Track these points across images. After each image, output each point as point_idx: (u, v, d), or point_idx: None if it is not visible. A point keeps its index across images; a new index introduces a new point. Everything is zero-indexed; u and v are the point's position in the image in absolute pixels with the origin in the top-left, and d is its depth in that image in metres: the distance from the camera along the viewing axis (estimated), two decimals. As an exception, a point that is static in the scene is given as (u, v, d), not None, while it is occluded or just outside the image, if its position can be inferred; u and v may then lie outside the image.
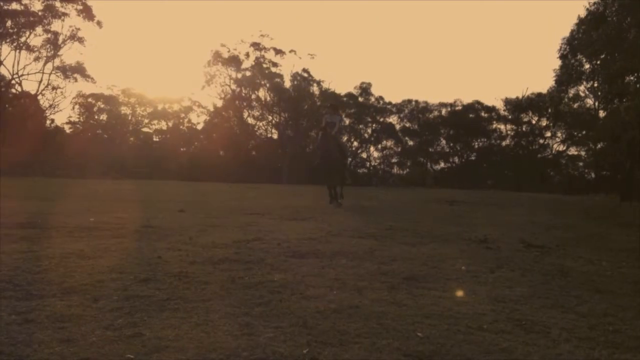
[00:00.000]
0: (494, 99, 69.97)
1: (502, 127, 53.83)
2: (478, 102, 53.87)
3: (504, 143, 53.90)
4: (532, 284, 5.34)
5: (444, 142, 54.98)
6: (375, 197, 20.70)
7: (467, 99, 56.57)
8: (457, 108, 54.43)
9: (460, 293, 4.85)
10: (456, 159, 55.30)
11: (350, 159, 55.94)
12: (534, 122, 51.91)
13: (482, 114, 53.82)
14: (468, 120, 52.86)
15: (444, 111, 55.06)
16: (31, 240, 6.85)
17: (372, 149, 56.93)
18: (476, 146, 54.28)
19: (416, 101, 55.59)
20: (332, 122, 14.61)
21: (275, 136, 55.71)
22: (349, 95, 55.67)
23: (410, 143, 55.73)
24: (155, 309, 4.01)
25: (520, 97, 52.15)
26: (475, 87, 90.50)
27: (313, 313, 3.99)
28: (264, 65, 54.51)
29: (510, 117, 52.79)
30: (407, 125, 55.93)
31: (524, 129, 52.53)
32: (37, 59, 48.14)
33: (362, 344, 3.39)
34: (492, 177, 51.44)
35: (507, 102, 52.64)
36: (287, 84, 55.00)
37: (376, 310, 4.15)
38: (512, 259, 6.72)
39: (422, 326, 3.81)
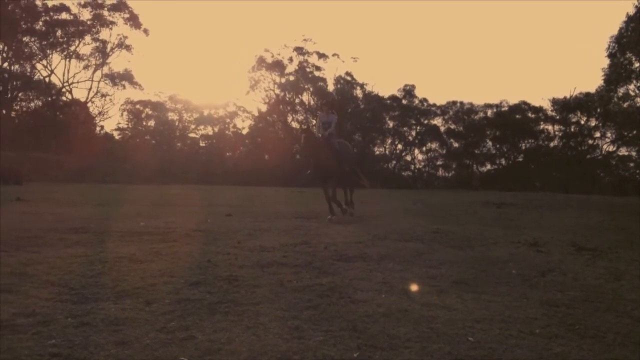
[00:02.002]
0: (541, 99, 68.53)
1: (549, 127, 52.79)
2: (525, 103, 52.97)
3: (551, 144, 52.84)
4: (585, 288, 5.24)
5: (490, 143, 54.17)
6: (421, 200, 20.53)
7: (513, 100, 55.83)
8: (503, 109, 53.62)
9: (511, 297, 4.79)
10: (503, 161, 54.43)
11: (392, 161, 55.74)
12: (582, 122, 50.77)
13: (529, 114, 52.88)
14: (514, 121, 52.00)
15: (489, 112, 54.29)
16: (85, 245, 7.03)
17: (416, 151, 56.45)
18: (523, 147, 53.35)
19: (461, 102, 54.96)
20: (327, 122, 12.84)
21: (319, 140, 55.76)
22: (393, 97, 55.38)
23: (456, 145, 55.08)
24: (207, 312, 4.07)
25: (568, 97, 51.11)
26: (521, 88, 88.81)
27: (362, 317, 4.00)
28: (307, 70, 54.69)
29: (558, 117, 51.73)
30: (452, 127, 55.30)
31: (572, 129, 51.43)
32: (86, 67, 49.42)
33: (413, 349, 3.38)
34: (540, 178, 50.46)
35: (555, 102, 51.61)
36: (331, 87, 55.05)
37: (425, 314, 4.13)
38: (563, 262, 6.60)
39: (473, 330, 3.77)
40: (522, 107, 53.05)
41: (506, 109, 53.46)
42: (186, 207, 13.91)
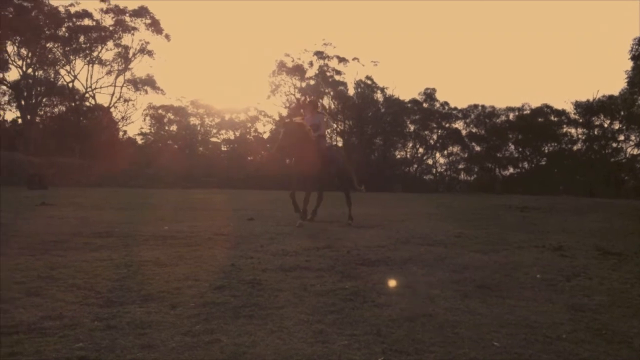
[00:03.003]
0: (564, 102, 68.02)
1: (572, 130, 52.33)
2: (547, 106, 52.58)
3: (575, 147, 52.36)
4: (611, 293, 5.18)
5: (512, 147, 53.85)
6: (443, 204, 20.44)
7: (536, 103, 55.28)
8: (525, 112, 53.28)
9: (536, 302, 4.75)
10: (525, 164, 54.06)
11: (413, 165, 55.51)
12: (605, 125, 50.27)
13: (552, 117, 52.47)
14: (537, 124, 51.62)
15: (511, 115, 53.97)
16: (110, 249, 7.10)
17: (437, 155, 56.29)
18: (546, 151, 52.95)
19: (482, 106, 54.71)
20: (315, 124, 11.66)
21: (340, 144, 55.80)
22: (413, 101, 55.25)
23: (477, 148, 54.82)
24: (231, 315, 4.09)
25: (591, 99, 50.62)
26: (543, 91, 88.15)
27: (386, 321, 3.99)
28: (328, 74, 54.76)
29: (581, 120, 51.29)
30: (474, 130, 55.05)
31: (595, 132, 50.93)
32: (109, 72, 49.97)
33: (438, 353, 3.37)
34: (564, 182, 49.99)
35: (577, 105, 51.17)
36: (351, 91, 55.09)
37: (450, 318, 4.11)
38: (588, 267, 6.53)
39: (498, 335, 3.75)
40: (544, 110, 52.68)
41: (528, 112, 53.12)
42: (209, 211, 13.98)
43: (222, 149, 55.83)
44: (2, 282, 4.94)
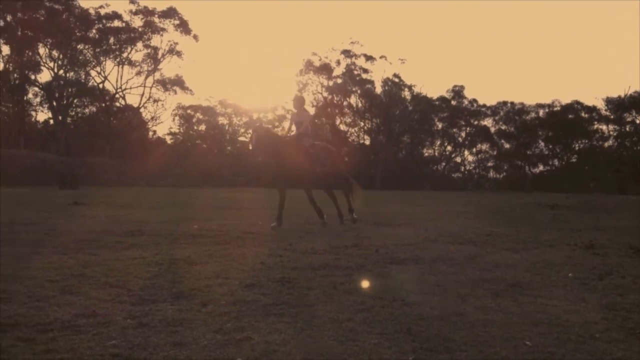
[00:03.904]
0: (594, 98, 67.03)
1: (603, 127, 51.66)
2: (577, 102, 51.94)
3: (606, 144, 51.68)
4: (646, 292, 5.09)
5: (542, 144, 53.30)
6: (472, 202, 20.29)
7: (566, 99, 54.67)
8: (555, 109, 52.68)
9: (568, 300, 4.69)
10: (556, 162, 53.44)
11: (442, 163, 55.10)
12: (637, 121, 49.44)
13: (582, 114, 51.81)
14: (567, 121, 50.99)
15: (541, 112, 53.43)
16: (141, 247, 7.19)
17: (466, 153, 55.96)
18: (577, 148, 52.28)
19: (512, 103, 54.26)
20: (299, 122, 11.03)
21: (367, 142, 55.72)
22: (441, 99, 54.95)
23: (507, 146, 54.37)
24: (261, 313, 4.11)
25: (623, 95, 49.81)
26: (574, 87, 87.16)
27: (416, 320, 3.97)
28: (355, 72, 54.70)
29: (612, 117, 50.55)
30: (503, 127, 54.61)
31: (627, 129, 50.16)
32: (138, 73, 50.52)
33: (469, 352, 3.34)
34: (595, 179, 49.27)
35: (609, 101, 50.44)
36: (378, 89, 54.95)
37: (481, 317, 4.08)
38: (621, 265, 6.42)
39: (530, 334, 3.71)
40: (575, 107, 52.02)
41: (558, 108, 52.49)
42: (237, 210, 14.08)
43: (250, 148, 56.04)
44: (37, 281, 5.03)
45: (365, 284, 5.13)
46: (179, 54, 50.42)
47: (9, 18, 45.41)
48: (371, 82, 54.78)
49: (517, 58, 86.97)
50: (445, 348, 3.39)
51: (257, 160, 12.19)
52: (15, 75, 47.43)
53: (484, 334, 3.70)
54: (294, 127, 11.15)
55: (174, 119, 53.89)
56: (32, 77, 48.26)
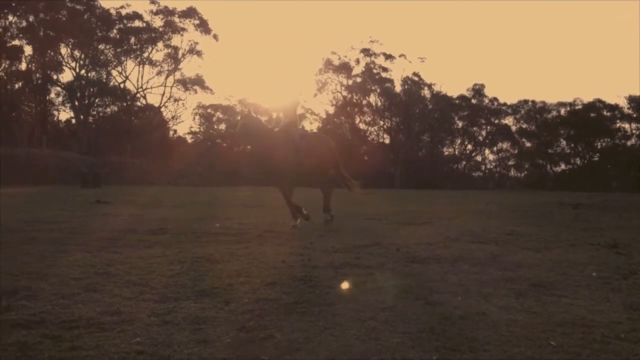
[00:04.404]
0: (617, 96, 66.26)
1: (626, 126, 51.03)
2: (599, 101, 51.36)
3: (629, 143, 51.05)
4: (672, 292, 5.02)
5: (564, 142, 52.79)
6: (493, 201, 20.15)
7: (588, 98, 54.15)
8: (577, 107, 52.17)
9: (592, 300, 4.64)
10: (577, 160, 52.92)
11: (462, 162, 54.81)
12: (661, 120, 48.81)
13: (604, 112, 51.24)
14: (589, 119, 50.47)
15: (562, 111, 52.93)
16: (163, 246, 7.24)
17: (487, 151, 55.59)
18: (599, 147, 51.72)
19: (533, 101, 53.81)
20: (287, 110, 10.83)
21: (387, 141, 55.60)
22: (461, 97, 54.66)
23: (528, 145, 53.96)
24: (284, 312, 4.12)
25: (645, 94, 49.15)
26: (595, 85, 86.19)
27: (439, 319, 3.96)
28: (374, 71, 54.60)
29: (635, 115, 49.91)
30: (524, 126, 54.19)
31: (650, 127, 49.52)
32: (159, 73, 50.88)
33: (493, 352, 3.33)
34: (617, 178, 48.74)
35: (631, 99, 49.80)
36: (398, 88, 54.80)
37: (504, 317, 4.05)
38: (646, 265, 6.35)
39: (554, 334, 3.68)
40: (596, 105, 51.49)
41: (580, 107, 51.99)
42: (258, 208, 14.11)
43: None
44: (61, 278, 5.09)
45: (345, 285, 5.10)
46: (199, 53, 50.69)
47: (31, 18, 45.94)
48: (391, 81, 54.65)
49: (537, 56, 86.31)
50: (469, 347, 3.38)
51: (237, 149, 11.19)
52: (37, 75, 47.98)
53: (508, 333, 3.68)
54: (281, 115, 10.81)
55: (194, 118, 54.18)
56: (54, 77, 48.81)
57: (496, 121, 54.43)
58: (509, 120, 54.68)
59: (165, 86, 50.97)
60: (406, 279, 5.35)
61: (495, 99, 54.44)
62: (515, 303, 4.48)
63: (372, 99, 55.64)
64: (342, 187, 11.53)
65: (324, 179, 10.91)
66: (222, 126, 54.64)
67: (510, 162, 54.85)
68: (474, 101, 54.53)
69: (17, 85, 48.03)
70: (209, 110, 53.70)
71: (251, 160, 10.50)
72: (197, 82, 51.30)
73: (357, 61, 54.73)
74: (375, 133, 57.31)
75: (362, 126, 56.67)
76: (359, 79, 54.82)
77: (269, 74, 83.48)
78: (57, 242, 7.45)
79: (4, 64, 46.47)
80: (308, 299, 4.50)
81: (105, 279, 5.12)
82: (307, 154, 10.11)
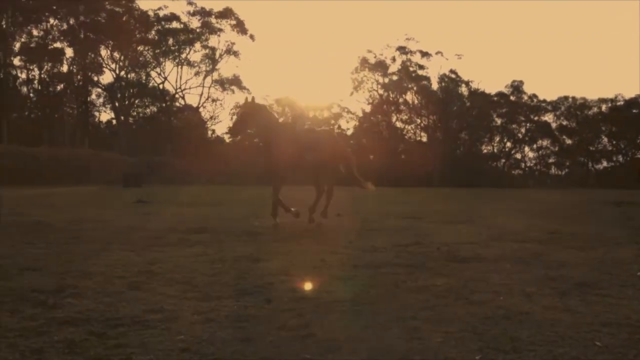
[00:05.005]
0: (660, 92, 64.72)
1: (670, 121, 49.80)
2: (642, 96, 50.21)
3: (673, 139, 49.82)
4: None
5: (605, 139, 51.81)
6: (534, 199, 19.88)
7: (629, 94, 53.00)
8: (618, 103, 51.19)
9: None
10: (620, 158, 51.85)
11: (501, 160, 54.09)
12: None
13: (647, 108, 50.10)
14: (632, 115, 49.41)
15: (604, 107, 51.95)
16: (204, 244, 7.33)
17: (526, 149, 54.92)
18: (642, 143, 50.60)
19: (573, 98, 52.98)
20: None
21: (424, 139, 55.30)
22: (500, 94, 54.07)
23: (569, 142, 53.15)
24: (324, 310, 4.12)
25: (691, 88, 47.89)
26: (637, 81, 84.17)
27: (482, 319, 3.92)
28: (411, 69, 54.44)
29: (678, 110, 48.71)
30: (564, 123, 53.42)
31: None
32: (197, 73, 51.62)
33: (537, 352, 3.28)
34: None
35: (675, 94, 48.57)
36: (435, 86, 54.58)
37: (548, 317, 3.99)
38: (694, 264, 6.19)
39: (599, 335, 3.61)
40: (639, 101, 50.33)
41: (622, 103, 51.02)
42: (295, 207, 14.15)
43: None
44: (106, 277, 5.18)
45: (307, 286, 5.06)
46: (235, 53, 51.29)
47: (72, 21, 46.95)
48: (427, 79, 54.47)
49: (577, 52, 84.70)
50: (513, 348, 3.34)
51: (234, 139, 10.46)
52: (78, 77, 49.03)
53: (552, 333, 3.62)
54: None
55: (231, 118, 54.72)
56: (95, 78, 49.83)
57: (536, 118, 53.78)
58: (548, 117, 54.07)
59: (203, 86, 51.70)
60: (447, 278, 5.31)
61: (535, 95, 53.83)
62: (559, 303, 4.41)
63: (409, 96, 55.53)
64: (352, 186, 11.24)
65: (329, 179, 10.54)
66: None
67: (551, 160, 54.22)
68: (512, 98, 53.97)
69: (59, 87, 49.13)
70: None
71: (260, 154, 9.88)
72: (235, 82, 51.86)
73: (393, 59, 54.68)
74: (412, 131, 57.15)
75: (398, 124, 56.57)
76: (395, 77, 54.74)
77: (305, 73, 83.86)
78: (101, 241, 7.60)
79: (46, 67, 47.52)
80: (348, 298, 4.49)
81: (149, 277, 5.19)
82: (310, 149, 9.81)
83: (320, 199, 10.38)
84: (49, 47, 46.55)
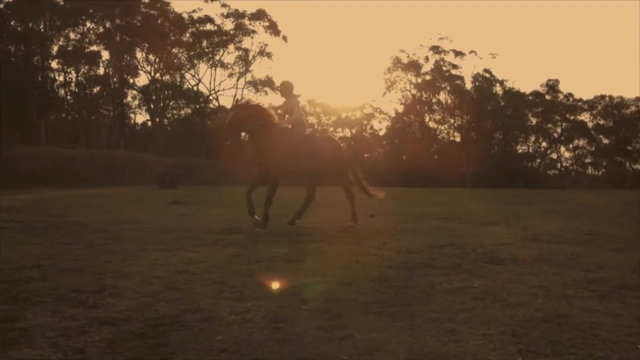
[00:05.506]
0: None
1: None
2: (682, 94, 49.13)
3: None
4: None
5: (643, 139, 50.79)
6: (570, 200, 19.58)
7: (669, 91, 51.88)
8: (656, 102, 50.08)
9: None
10: (659, 157, 50.79)
11: (537, 160, 53.36)
12: None
13: (687, 106, 49.02)
14: (671, 114, 48.38)
15: (642, 105, 50.91)
16: (239, 245, 7.39)
17: (562, 149, 54.11)
18: (682, 142, 49.52)
19: (610, 96, 52.06)
20: (290, 110, 9.96)
21: (458, 139, 54.85)
22: (535, 93, 53.36)
23: (605, 141, 52.20)
24: (361, 311, 4.13)
25: None
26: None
27: (520, 321, 3.88)
28: (444, 68, 54.04)
29: None
30: (601, 122, 52.48)
31: None
32: (230, 75, 51.92)
33: (578, 355, 3.24)
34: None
35: None
36: (468, 85, 54.07)
37: (588, 320, 3.94)
38: None
39: (641, 338, 3.55)
40: (678, 99, 49.28)
41: (660, 101, 49.88)
42: (328, 208, 14.14)
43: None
44: (144, 277, 5.25)
45: (275, 285, 5.04)
46: (269, 55, 51.48)
47: (108, 24, 47.68)
48: (461, 78, 53.99)
49: (614, 50, 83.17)
50: (553, 351, 3.30)
51: (227, 143, 10.00)
52: (114, 79, 49.74)
53: (592, 337, 3.57)
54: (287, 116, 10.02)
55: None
56: (131, 80, 50.49)
57: (572, 117, 52.96)
58: (585, 117, 53.17)
59: (236, 88, 52.02)
60: (483, 280, 5.26)
61: (570, 94, 53.00)
62: (599, 305, 4.34)
63: (442, 96, 55.13)
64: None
65: (344, 183, 10.12)
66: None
67: (587, 160, 53.29)
68: (548, 97, 53.21)
69: (95, 90, 49.93)
70: (278, 111, 54.24)
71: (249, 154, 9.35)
72: (267, 84, 52.05)
73: (426, 59, 54.34)
74: (445, 131, 56.71)
75: (432, 124, 56.20)
76: (428, 77, 54.40)
77: (338, 73, 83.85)
78: (138, 241, 7.71)
79: (83, 69, 48.36)
80: (384, 299, 4.49)
81: (186, 277, 5.25)
82: (309, 156, 9.48)
83: (308, 205, 10.03)
84: (86, 50, 47.31)
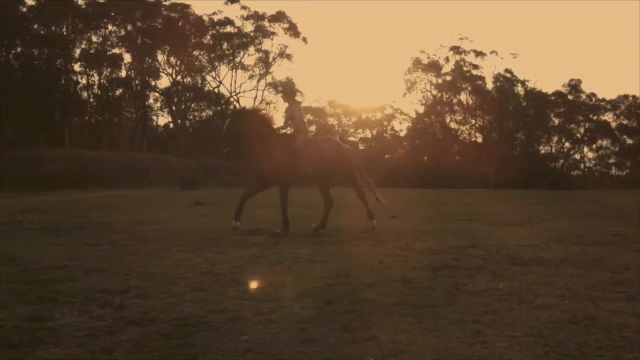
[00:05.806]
0: None
1: None
2: None
3: None
4: None
5: (668, 139, 50.08)
6: (594, 200, 19.37)
7: (695, 91, 51.11)
8: (681, 101, 49.37)
9: None
10: (684, 157, 50.07)
11: (559, 161, 52.86)
12: None
13: None
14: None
15: (667, 105, 50.22)
16: (262, 246, 7.42)
17: (585, 149, 53.54)
18: None
19: (633, 96, 51.42)
20: (292, 115, 9.70)
21: (479, 140, 54.53)
22: (557, 93, 52.86)
23: (629, 141, 51.53)
24: (385, 312, 4.12)
25: None
26: None
27: (546, 323, 3.85)
28: (464, 69, 53.74)
29: None
30: (625, 122, 51.83)
31: None
32: (251, 77, 52.09)
33: (605, 357, 3.21)
34: None
35: None
36: (489, 85, 53.71)
37: (615, 321, 3.89)
38: None
39: (670, 340, 3.51)
40: None
41: (685, 101, 49.15)
42: (350, 209, 14.14)
43: (360, 147, 56.46)
44: (169, 277, 5.30)
45: (253, 284, 5.03)
46: (289, 56, 51.59)
47: (129, 27, 48.10)
48: (482, 79, 53.64)
49: (637, 49, 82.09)
50: (580, 353, 3.27)
51: (225, 150, 10.44)
52: (136, 81, 50.16)
53: (620, 338, 3.53)
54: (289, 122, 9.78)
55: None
56: (152, 83, 50.88)
57: (595, 117, 52.38)
58: (608, 117, 52.58)
59: (257, 90, 52.19)
60: (508, 281, 5.23)
61: (593, 94, 52.42)
62: (626, 307, 4.29)
63: (463, 97, 54.81)
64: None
65: (354, 184, 9.99)
66: (313, 128, 55.29)
67: (611, 160, 52.67)
68: (570, 97, 52.68)
69: (117, 92, 50.40)
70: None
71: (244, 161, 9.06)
72: (288, 85, 52.13)
73: (447, 59, 54.08)
74: (466, 132, 56.39)
75: (453, 125, 55.91)
76: (448, 77, 54.13)
77: (358, 74, 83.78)
78: (162, 242, 7.78)
79: (105, 72, 48.84)
80: (408, 300, 4.48)
81: (210, 278, 5.29)
82: (309, 161, 9.38)
83: (330, 210, 9.80)
84: (108, 53, 47.80)
